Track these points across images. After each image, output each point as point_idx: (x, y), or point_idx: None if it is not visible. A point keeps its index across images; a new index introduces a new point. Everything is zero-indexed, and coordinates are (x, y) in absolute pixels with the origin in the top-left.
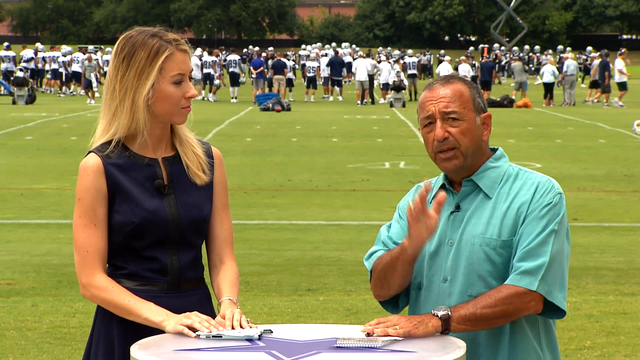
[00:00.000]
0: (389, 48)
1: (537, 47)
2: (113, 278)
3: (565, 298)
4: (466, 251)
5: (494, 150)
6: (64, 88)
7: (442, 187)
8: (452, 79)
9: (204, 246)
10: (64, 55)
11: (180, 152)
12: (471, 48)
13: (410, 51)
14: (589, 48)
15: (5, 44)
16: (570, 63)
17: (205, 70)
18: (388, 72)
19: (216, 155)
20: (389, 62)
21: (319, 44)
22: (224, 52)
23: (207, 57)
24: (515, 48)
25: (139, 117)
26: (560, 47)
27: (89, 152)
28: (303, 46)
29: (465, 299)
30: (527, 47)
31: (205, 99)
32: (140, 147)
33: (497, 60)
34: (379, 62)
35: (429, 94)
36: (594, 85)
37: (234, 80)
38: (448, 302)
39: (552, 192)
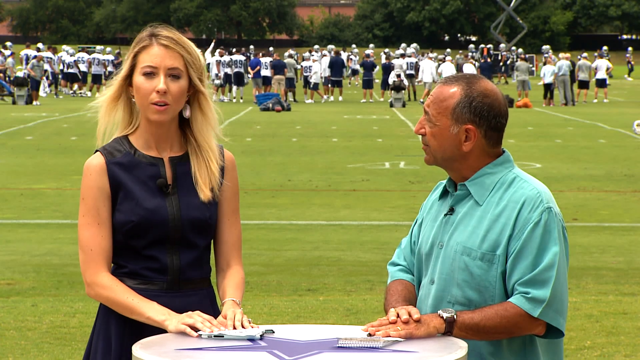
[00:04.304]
0: (387, 49)
1: (545, 47)
2: (116, 276)
3: (566, 319)
4: (449, 257)
5: (503, 153)
6: (74, 87)
7: (445, 188)
8: (454, 81)
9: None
10: (71, 55)
11: (193, 162)
12: (471, 46)
13: (409, 51)
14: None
15: (8, 43)
16: (563, 64)
17: (225, 70)
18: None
19: (229, 159)
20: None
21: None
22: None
23: (209, 57)
24: (536, 50)
25: (128, 109)
26: (606, 48)
27: (96, 151)
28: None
29: (444, 304)
30: (547, 46)
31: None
32: (144, 146)
33: (501, 62)
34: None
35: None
36: (600, 84)
37: (239, 80)
38: (429, 304)
39: (540, 208)
